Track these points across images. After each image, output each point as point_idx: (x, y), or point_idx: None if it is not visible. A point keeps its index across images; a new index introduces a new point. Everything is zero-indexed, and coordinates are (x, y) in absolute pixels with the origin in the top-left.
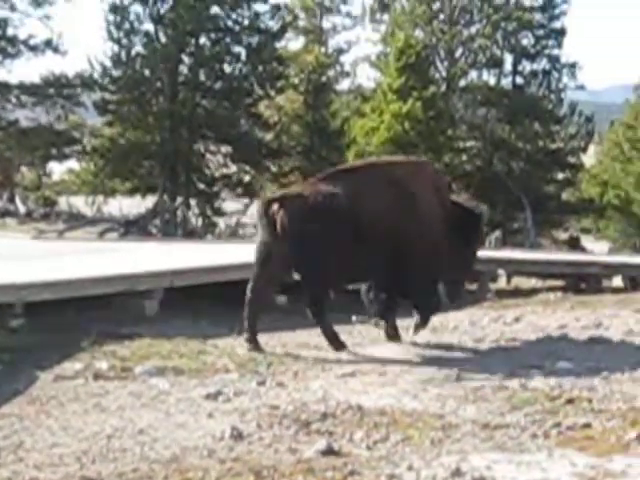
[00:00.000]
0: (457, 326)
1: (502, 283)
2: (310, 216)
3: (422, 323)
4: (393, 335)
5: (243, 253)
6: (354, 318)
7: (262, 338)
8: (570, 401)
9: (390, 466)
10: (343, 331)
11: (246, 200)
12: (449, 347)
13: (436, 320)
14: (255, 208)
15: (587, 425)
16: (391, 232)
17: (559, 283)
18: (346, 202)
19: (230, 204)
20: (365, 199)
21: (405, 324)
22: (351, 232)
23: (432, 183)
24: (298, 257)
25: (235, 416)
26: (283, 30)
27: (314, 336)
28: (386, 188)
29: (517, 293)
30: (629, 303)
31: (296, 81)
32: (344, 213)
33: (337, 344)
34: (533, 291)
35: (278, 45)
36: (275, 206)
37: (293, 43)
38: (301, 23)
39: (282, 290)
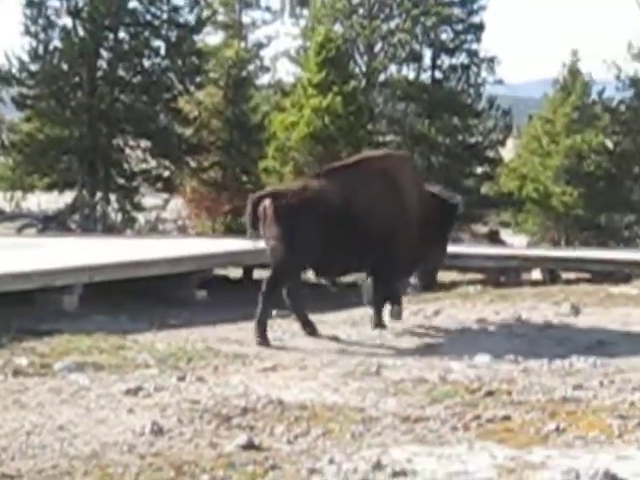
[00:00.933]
0: None
1: None
2: (299, 210)
3: (398, 307)
4: (379, 324)
5: (163, 248)
6: (274, 312)
7: (182, 333)
8: (490, 393)
9: (311, 460)
10: None
11: (165, 195)
12: (370, 340)
13: (356, 314)
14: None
15: (507, 417)
16: (378, 223)
17: (479, 276)
18: (335, 196)
19: (150, 199)
20: (354, 193)
21: (327, 318)
22: (341, 223)
23: (413, 175)
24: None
25: (155, 411)
26: (202, 24)
27: (235, 331)
28: (373, 182)
29: (437, 286)
30: (548, 296)
31: (216, 76)
32: (333, 206)
33: (261, 338)
34: (453, 285)
35: (197, 39)
36: (266, 202)
37: (212, 38)
38: (220, 18)
39: (201, 285)
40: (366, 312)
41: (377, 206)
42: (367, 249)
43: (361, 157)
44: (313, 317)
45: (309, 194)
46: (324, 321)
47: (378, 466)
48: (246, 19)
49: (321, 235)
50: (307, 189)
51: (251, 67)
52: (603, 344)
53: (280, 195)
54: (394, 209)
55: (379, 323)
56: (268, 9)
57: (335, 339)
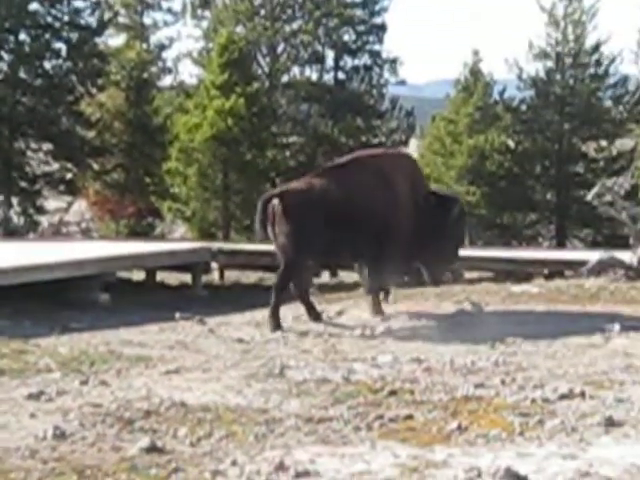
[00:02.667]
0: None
1: (326, 278)
2: (305, 207)
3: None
4: (378, 312)
5: (65, 251)
6: (177, 315)
7: (85, 336)
8: (393, 393)
9: (214, 462)
10: (168, 328)
11: (69, 198)
12: (273, 342)
13: (259, 315)
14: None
15: (409, 416)
16: (374, 218)
17: None
18: (336, 194)
19: (52, 202)
20: (352, 190)
21: (230, 320)
22: (342, 219)
23: (409, 173)
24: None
25: (58, 416)
26: (104, 26)
27: (138, 334)
28: (369, 179)
29: (341, 287)
30: (450, 295)
31: (118, 78)
32: (335, 203)
33: (275, 323)
34: (356, 285)
35: (99, 41)
36: (275, 201)
37: (114, 39)
38: (122, 19)
39: (104, 289)
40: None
41: (373, 202)
42: (364, 242)
43: (357, 155)
44: (216, 319)
45: (313, 192)
46: (227, 323)
47: (281, 467)
48: (148, 20)
49: (325, 230)
50: (312, 188)
51: (153, 69)
52: (505, 342)
53: (287, 194)
54: (388, 205)
55: (378, 311)
56: (170, 10)
57: (239, 341)
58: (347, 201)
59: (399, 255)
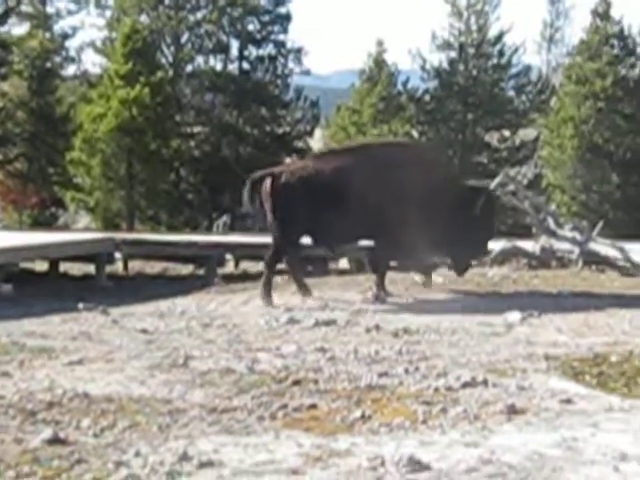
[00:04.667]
0: (185, 311)
1: (230, 268)
2: (294, 187)
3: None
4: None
5: None
6: (81, 306)
7: None
8: (297, 382)
9: (117, 453)
10: (71, 319)
11: None
12: (177, 332)
13: (163, 306)
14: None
15: (313, 406)
16: (369, 201)
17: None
18: (329, 176)
19: None
20: (347, 174)
21: (134, 310)
22: (332, 200)
23: (421, 163)
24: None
25: None
26: (6, 15)
27: (41, 324)
28: (370, 166)
29: (245, 277)
30: (354, 285)
31: (20, 67)
32: (325, 185)
33: (266, 300)
34: (261, 275)
35: (1, 30)
36: (267, 181)
37: (17, 28)
38: (25, 8)
39: (7, 279)
40: (173, 304)
41: (368, 187)
42: (358, 224)
43: (360, 143)
44: (120, 310)
45: (304, 173)
46: (131, 313)
47: (185, 457)
48: (51, 9)
49: (314, 211)
50: (304, 169)
51: (57, 58)
52: (408, 331)
53: (278, 174)
54: (386, 192)
55: (378, 296)
56: None
57: (142, 331)
58: (337, 183)
59: (403, 241)
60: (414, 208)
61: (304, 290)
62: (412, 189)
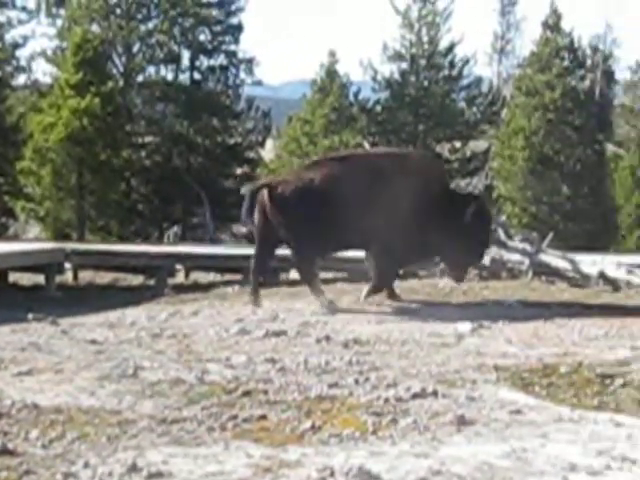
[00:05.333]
0: (135, 321)
1: (181, 278)
2: (292, 198)
3: (374, 289)
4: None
5: None
6: (30, 316)
7: None
8: (247, 393)
9: (66, 464)
10: (20, 329)
11: None
12: (126, 343)
13: (113, 316)
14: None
15: (263, 417)
16: (362, 211)
17: (237, 277)
18: (321, 186)
19: None
20: (339, 183)
21: (84, 321)
22: (326, 210)
23: (417, 173)
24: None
25: None
26: None
27: None
28: (361, 175)
29: (195, 288)
30: (305, 295)
31: None
32: (319, 195)
33: (255, 303)
34: (211, 285)
35: None
36: (264, 191)
37: None
38: None
39: None
40: (123, 314)
41: (359, 196)
42: (350, 232)
43: (351, 152)
44: (69, 320)
45: (298, 184)
46: (81, 324)
47: (134, 468)
48: (1, 18)
49: (307, 221)
50: (298, 179)
51: (7, 68)
52: (359, 342)
53: (274, 185)
54: (377, 199)
55: (392, 297)
56: (24, 8)
57: (92, 342)
58: (329, 192)
59: (399, 249)
60: (408, 217)
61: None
62: (406, 198)
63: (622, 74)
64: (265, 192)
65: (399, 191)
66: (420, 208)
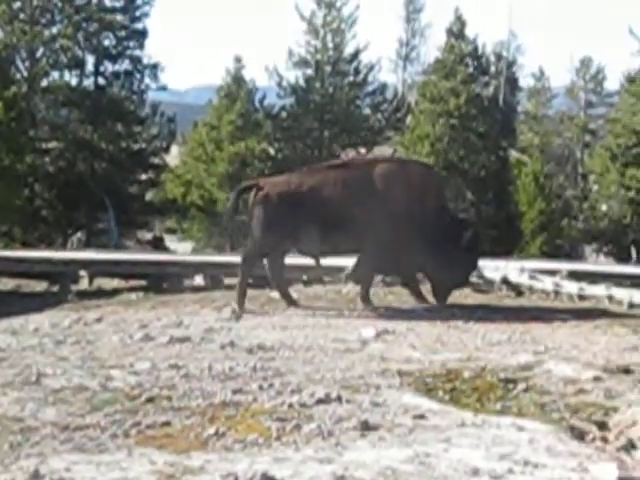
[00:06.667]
0: (38, 328)
1: (85, 284)
2: (275, 198)
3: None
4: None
5: None
6: None
7: None
8: (150, 400)
9: None
10: None
11: None
12: (29, 350)
13: (16, 322)
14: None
15: (167, 423)
16: (348, 217)
17: (142, 283)
18: (308, 190)
19: None
20: (326, 189)
21: None
22: (311, 211)
23: (408, 184)
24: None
25: None
26: None
27: None
28: (351, 182)
29: (99, 294)
30: (210, 301)
31: None
32: (305, 197)
33: (240, 303)
34: (115, 291)
35: None
36: (251, 192)
37: None
38: None
39: None
40: (26, 321)
41: (347, 202)
42: (337, 236)
43: (344, 161)
44: None
45: (285, 186)
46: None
47: (36, 476)
48: None
49: (294, 220)
50: (286, 182)
51: None
52: (263, 348)
53: (261, 186)
54: (362, 206)
55: (364, 301)
56: None
57: None
58: (316, 196)
59: (381, 255)
60: (393, 224)
61: (289, 301)
62: (397, 209)
63: (525, 81)
64: (253, 191)
65: (391, 202)
66: (413, 219)
